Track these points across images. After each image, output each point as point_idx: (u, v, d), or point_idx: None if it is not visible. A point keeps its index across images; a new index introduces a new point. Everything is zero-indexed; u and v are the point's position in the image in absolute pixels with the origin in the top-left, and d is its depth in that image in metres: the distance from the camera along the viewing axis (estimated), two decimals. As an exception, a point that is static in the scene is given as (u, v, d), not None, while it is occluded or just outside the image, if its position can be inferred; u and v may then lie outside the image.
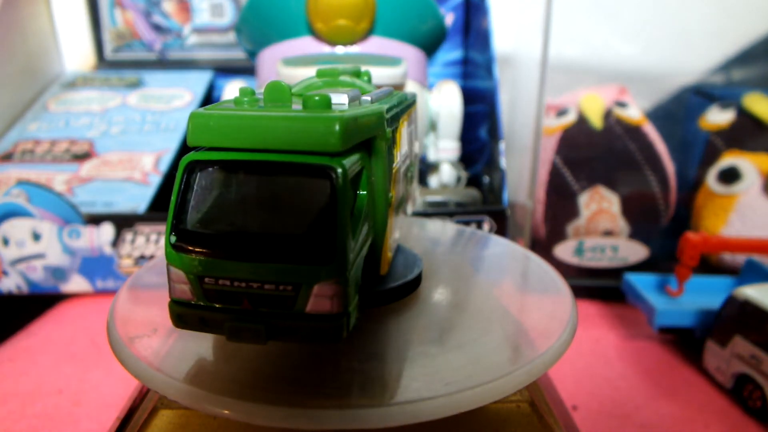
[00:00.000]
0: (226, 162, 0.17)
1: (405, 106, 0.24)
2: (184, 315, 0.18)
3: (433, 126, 0.50)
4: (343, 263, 0.16)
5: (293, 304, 0.16)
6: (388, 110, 0.21)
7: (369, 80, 0.26)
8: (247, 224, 0.17)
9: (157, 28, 0.69)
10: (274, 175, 0.17)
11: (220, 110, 0.17)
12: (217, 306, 0.17)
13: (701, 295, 0.44)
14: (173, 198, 0.17)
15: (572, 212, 0.50)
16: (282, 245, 0.16)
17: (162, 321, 0.24)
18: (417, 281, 0.24)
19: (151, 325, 0.23)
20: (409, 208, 0.29)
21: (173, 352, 0.21)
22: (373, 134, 0.19)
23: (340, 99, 0.18)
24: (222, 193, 0.17)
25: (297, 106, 0.18)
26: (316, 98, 0.17)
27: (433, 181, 0.52)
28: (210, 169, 0.17)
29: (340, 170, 0.16)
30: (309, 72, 0.39)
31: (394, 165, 0.22)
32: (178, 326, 0.18)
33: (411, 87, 0.44)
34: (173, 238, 0.17)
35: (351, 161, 0.17)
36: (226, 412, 0.18)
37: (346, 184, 0.16)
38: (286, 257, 0.16)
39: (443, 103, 0.49)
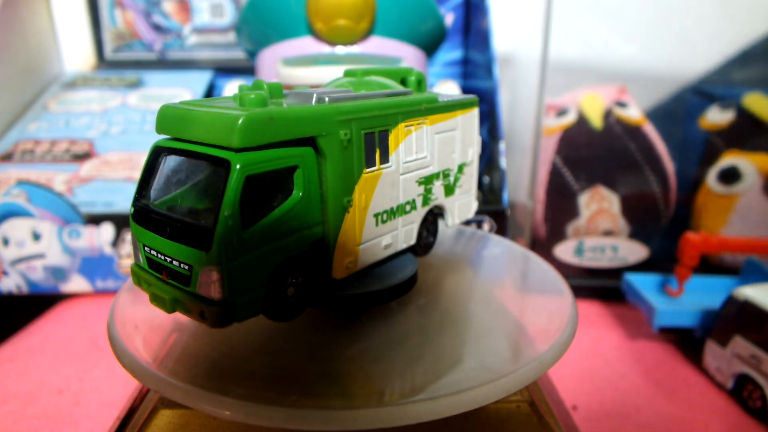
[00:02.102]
0: (171, 149, 0.20)
1: (408, 111, 0.23)
2: (137, 275, 0.20)
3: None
4: (222, 252, 0.17)
5: (189, 283, 0.18)
6: (352, 112, 0.20)
7: (419, 83, 0.25)
8: (173, 204, 0.19)
9: (157, 28, 0.68)
10: (195, 163, 0.19)
11: (182, 105, 0.20)
12: (151, 272, 0.20)
13: (701, 295, 0.44)
14: (140, 176, 0.20)
15: (572, 212, 0.50)
16: (187, 227, 0.18)
17: (162, 322, 0.24)
18: (408, 283, 0.24)
19: (152, 326, 0.23)
20: (449, 220, 0.27)
21: (173, 352, 0.21)
22: (312, 134, 0.19)
23: (306, 99, 0.20)
24: (167, 175, 0.20)
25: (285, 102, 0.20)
26: (252, 96, 0.19)
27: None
28: (165, 154, 0.20)
29: (236, 164, 0.17)
30: (309, 72, 0.39)
31: (373, 169, 0.22)
32: (136, 285, 0.21)
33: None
34: (132, 210, 0.20)
35: (263, 157, 0.18)
36: (227, 412, 0.18)
37: (239, 178, 0.17)
38: (186, 239, 0.18)
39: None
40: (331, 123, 0.20)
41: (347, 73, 0.26)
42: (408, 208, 0.24)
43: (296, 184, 0.19)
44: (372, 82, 0.25)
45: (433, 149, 0.24)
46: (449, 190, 0.26)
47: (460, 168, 0.27)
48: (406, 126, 0.23)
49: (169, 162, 0.20)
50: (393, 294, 0.24)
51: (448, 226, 0.27)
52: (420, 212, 0.25)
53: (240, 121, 0.17)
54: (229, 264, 0.17)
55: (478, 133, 0.28)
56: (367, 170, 0.21)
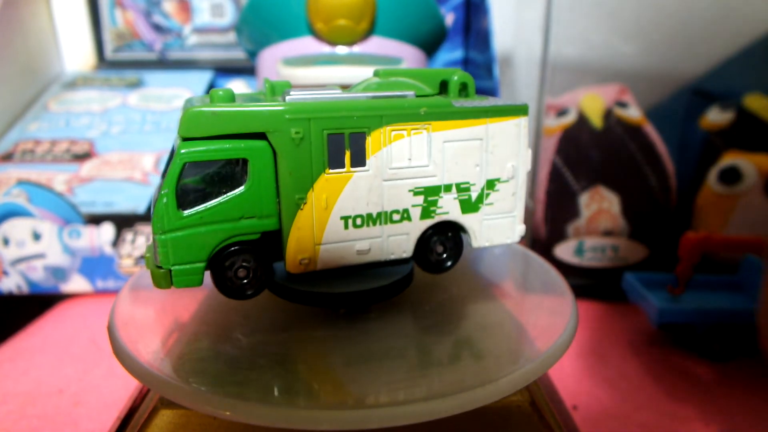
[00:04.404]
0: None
1: (396, 114, 0.22)
2: None
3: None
4: (158, 225, 0.20)
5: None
6: (308, 112, 0.21)
7: (462, 86, 0.24)
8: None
9: (158, 28, 0.68)
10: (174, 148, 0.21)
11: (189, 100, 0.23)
12: None
13: (702, 292, 0.44)
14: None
15: (572, 212, 0.50)
16: (154, 200, 0.21)
17: (163, 322, 0.24)
18: (389, 288, 0.23)
19: (152, 326, 0.23)
20: (473, 240, 0.25)
21: (173, 352, 0.21)
22: (260, 130, 0.20)
23: (282, 97, 0.22)
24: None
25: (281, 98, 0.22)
26: (220, 93, 0.21)
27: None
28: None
29: (180, 150, 0.20)
30: (309, 72, 0.39)
31: (339, 171, 0.21)
32: None
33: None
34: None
35: (206, 147, 0.20)
36: (227, 412, 0.18)
37: (179, 163, 0.20)
38: (152, 209, 0.21)
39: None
40: (280, 121, 0.20)
41: (376, 74, 0.25)
42: (397, 217, 0.23)
43: (248, 175, 0.21)
44: (392, 83, 0.24)
45: (439, 158, 0.23)
46: (470, 207, 0.24)
47: (491, 184, 0.24)
48: (396, 130, 0.22)
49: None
50: (379, 295, 0.23)
51: (472, 247, 0.25)
52: (417, 224, 0.23)
53: (185, 115, 0.20)
54: (163, 235, 0.20)
55: (527, 145, 0.24)
56: (331, 171, 0.21)
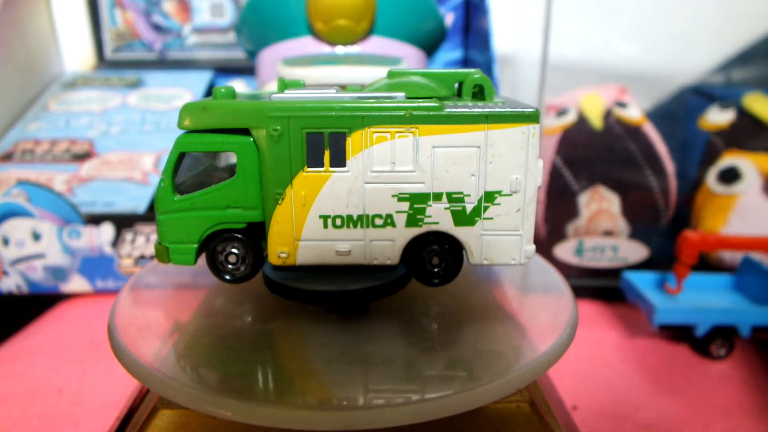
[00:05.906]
0: None
1: (377, 116, 0.21)
2: None
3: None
4: (156, 206, 0.23)
5: None
6: (288, 110, 0.21)
7: (476, 88, 0.23)
8: None
9: (157, 28, 0.68)
10: None
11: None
12: None
13: (700, 292, 0.44)
14: None
15: (572, 212, 0.50)
16: None
17: (163, 322, 0.24)
18: (385, 287, 0.23)
19: (152, 326, 0.23)
20: (470, 256, 0.23)
21: (173, 352, 0.21)
22: (244, 126, 0.22)
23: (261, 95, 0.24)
24: None
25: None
26: (222, 90, 0.22)
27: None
28: None
29: (177, 141, 0.22)
30: (308, 72, 0.39)
31: (318, 170, 0.21)
32: None
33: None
34: None
35: (198, 139, 0.22)
36: (227, 412, 0.18)
37: (175, 152, 0.22)
38: None
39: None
40: (261, 118, 0.21)
41: (390, 74, 0.24)
42: (379, 222, 0.22)
43: (238, 167, 0.22)
44: (397, 83, 0.23)
45: (427, 164, 0.21)
46: (464, 220, 0.22)
47: (490, 196, 0.22)
48: (378, 132, 0.21)
49: None
50: (368, 296, 0.23)
51: (473, 263, 0.23)
52: (402, 232, 0.22)
53: (181, 108, 0.22)
54: (160, 216, 0.22)
55: (537, 156, 0.22)
56: (309, 169, 0.21)
